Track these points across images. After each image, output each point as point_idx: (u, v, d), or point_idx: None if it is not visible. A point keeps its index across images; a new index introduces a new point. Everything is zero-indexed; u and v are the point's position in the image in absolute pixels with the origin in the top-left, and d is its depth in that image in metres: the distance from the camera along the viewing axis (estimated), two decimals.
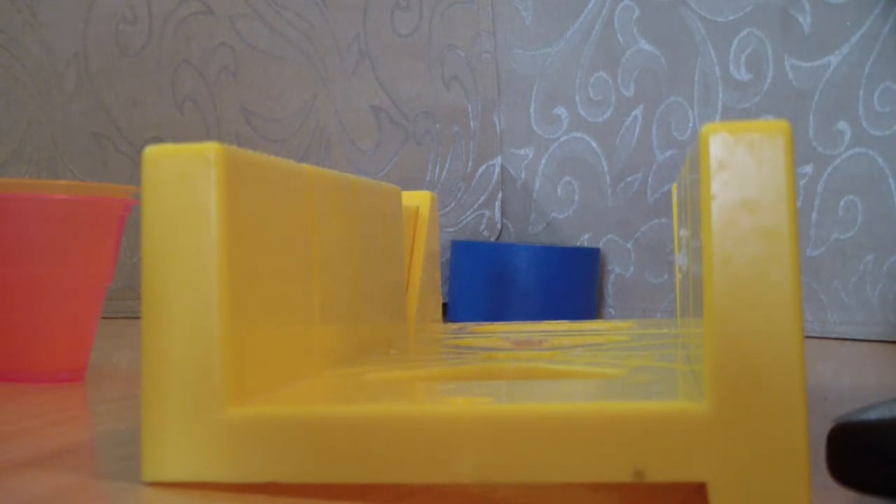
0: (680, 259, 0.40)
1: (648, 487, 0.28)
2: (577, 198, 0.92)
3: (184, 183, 0.28)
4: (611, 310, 0.91)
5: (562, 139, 0.93)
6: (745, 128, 0.25)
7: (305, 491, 0.27)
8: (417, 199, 0.55)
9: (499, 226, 0.96)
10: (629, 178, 0.89)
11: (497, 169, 0.95)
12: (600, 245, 0.91)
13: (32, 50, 0.94)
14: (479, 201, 0.95)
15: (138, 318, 0.28)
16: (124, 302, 0.92)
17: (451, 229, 0.95)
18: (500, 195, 0.95)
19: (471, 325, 0.55)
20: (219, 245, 0.28)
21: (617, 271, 0.90)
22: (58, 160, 0.94)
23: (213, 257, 0.28)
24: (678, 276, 0.46)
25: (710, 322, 0.25)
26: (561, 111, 0.93)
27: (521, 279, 0.86)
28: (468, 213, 0.95)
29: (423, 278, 0.52)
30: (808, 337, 0.74)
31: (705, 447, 0.25)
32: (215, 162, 0.28)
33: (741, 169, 0.25)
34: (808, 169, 0.76)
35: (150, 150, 0.28)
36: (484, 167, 0.95)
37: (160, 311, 0.28)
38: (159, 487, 0.28)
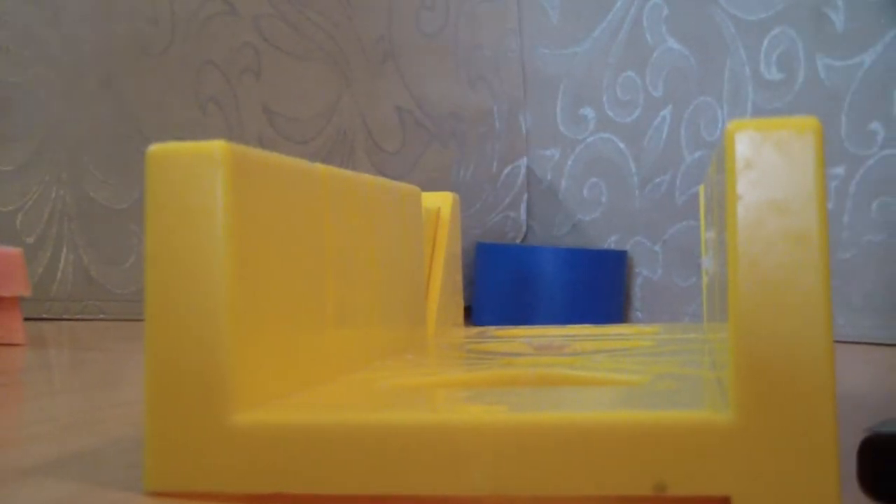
0: (706, 262, 0.39)
1: (669, 501, 0.27)
2: (604, 199, 0.91)
3: (189, 183, 0.27)
4: (638, 313, 0.90)
5: (588, 140, 0.92)
6: (773, 125, 0.24)
7: (314, 502, 0.27)
8: (439, 201, 0.54)
9: (524, 227, 0.95)
10: (657, 180, 0.87)
11: (523, 170, 0.94)
12: (628, 247, 0.89)
13: (54, 50, 0.94)
14: (505, 203, 0.94)
15: (142, 320, 0.28)
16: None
17: (476, 231, 0.94)
18: (525, 196, 0.94)
19: (492, 330, 0.54)
20: (225, 247, 0.27)
21: (644, 274, 0.89)
22: (79, 161, 0.94)
23: (220, 259, 0.27)
24: (705, 279, 0.45)
25: (736, 328, 0.24)
26: (588, 111, 0.92)
27: (547, 282, 0.85)
28: (493, 215, 0.94)
29: (443, 281, 0.51)
30: (839, 342, 0.73)
31: (730, 459, 0.24)
32: (222, 161, 0.27)
33: (769, 168, 0.24)
34: (840, 170, 0.74)
35: (155, 149, 0.28)
36: (509, 168, 0.94)
37: (164, 314, 0.27)
38: (163, 497, 0.27)
